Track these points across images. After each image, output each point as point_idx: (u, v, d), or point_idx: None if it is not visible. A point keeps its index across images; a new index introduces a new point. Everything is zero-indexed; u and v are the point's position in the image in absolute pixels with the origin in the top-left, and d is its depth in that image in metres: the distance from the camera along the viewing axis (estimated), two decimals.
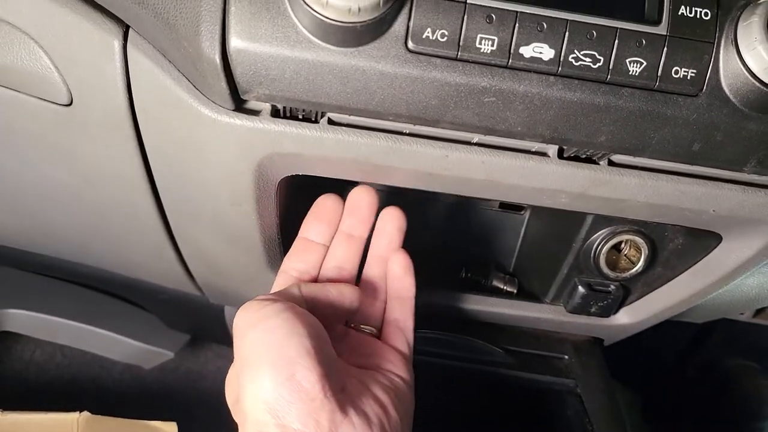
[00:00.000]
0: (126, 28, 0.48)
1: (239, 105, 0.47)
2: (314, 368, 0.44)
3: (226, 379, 0.52)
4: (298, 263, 0.60)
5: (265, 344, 0.46)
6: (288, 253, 0.61)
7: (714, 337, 1.26)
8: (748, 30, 0.43)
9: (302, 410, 0.44)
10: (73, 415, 0.93)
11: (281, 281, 0.60)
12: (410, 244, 0.60)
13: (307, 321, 0.47)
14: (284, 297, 0.52)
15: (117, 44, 0.48)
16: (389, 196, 0.78)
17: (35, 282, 1.20)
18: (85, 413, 0.94)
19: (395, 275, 0.60)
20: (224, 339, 1.09)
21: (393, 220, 0.61)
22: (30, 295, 1.23)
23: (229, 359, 0.50)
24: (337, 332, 0.58)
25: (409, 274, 0.60)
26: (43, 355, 1.46)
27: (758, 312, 0.99)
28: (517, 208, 0.80)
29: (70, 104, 0.53)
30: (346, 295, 0.55)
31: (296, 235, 0.61)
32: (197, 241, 0.67)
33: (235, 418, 0.50)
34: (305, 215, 0.61)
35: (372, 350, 0.58)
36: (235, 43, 0.42)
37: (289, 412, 0.44)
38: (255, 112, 0.48)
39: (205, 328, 1.25)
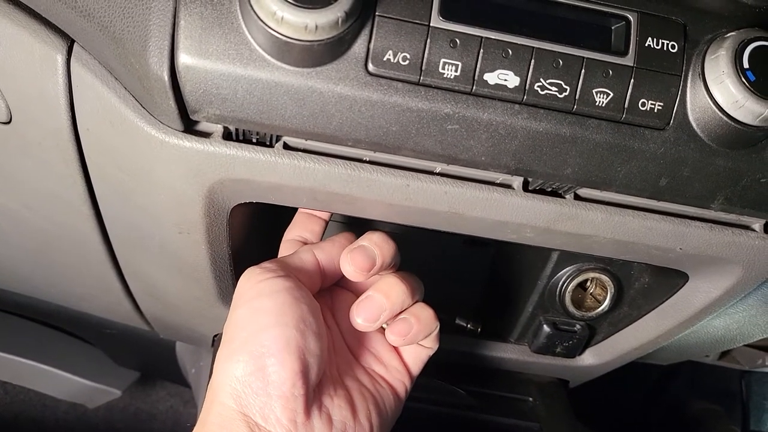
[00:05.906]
0: (70, 43, 0.45)
1: (189, 126, 0.45)
2: (289, 364, 0.43)
3: (224, 325, 0.49)
4: (302, 232, 0.58)
5: (248, 326, 0.45)
6: (290, 226, 0.59)
7: (678, 380, 1.26)
8: (716, 63, 0.42)
9: (266, 405, 0.43)
10: None
11: (285, 250, 0.57)
12: None
13: (300, 307, 0.46)
14: (291, 267, 0.50)
15: (60, 59, 0.45)
16: (347, 228, 0.75)
17: None
18: None
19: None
20: (176, 377, 1.04)
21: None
22: None
23: (183, 398, 0.47)
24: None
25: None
26: None
27: (723, 354, 0.99)
28: (481, 243, 0.78)
29: (9, 122, 0.50)
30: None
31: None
32: (144, 272, 0.63)
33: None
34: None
35: (375, 346, 0.55)
36: (184, 59, 0.40)
37: (253, 404, 0.43)
38: (205, 135, 0.45)
39: (156, 365, 1.19)
